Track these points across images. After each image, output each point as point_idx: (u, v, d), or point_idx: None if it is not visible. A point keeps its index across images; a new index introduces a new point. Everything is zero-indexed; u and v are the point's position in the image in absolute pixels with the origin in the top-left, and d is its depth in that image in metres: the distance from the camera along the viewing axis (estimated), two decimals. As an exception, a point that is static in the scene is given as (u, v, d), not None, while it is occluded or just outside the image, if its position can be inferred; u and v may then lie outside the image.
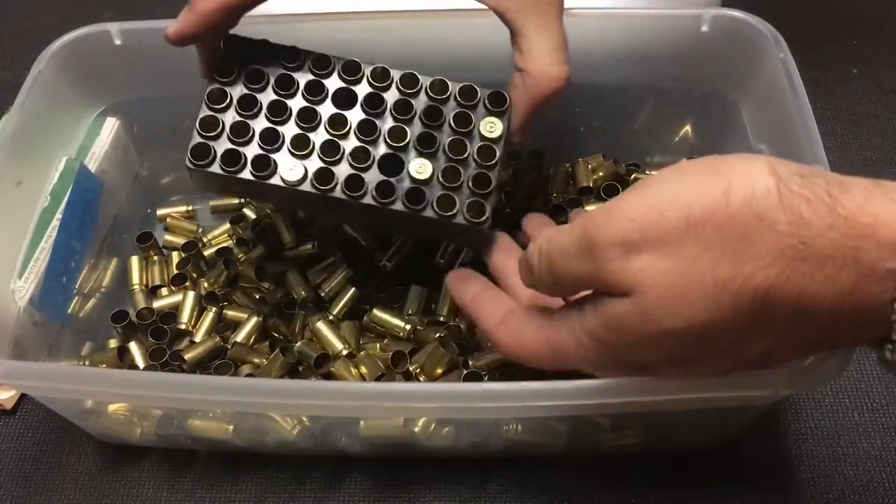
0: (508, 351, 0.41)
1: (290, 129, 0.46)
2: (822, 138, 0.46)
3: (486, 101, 0.47)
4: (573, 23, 0.53)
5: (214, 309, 0.56)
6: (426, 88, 0.47)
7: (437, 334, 0.52)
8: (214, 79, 0.46)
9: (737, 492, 0.50)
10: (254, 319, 0.54)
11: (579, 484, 0.50)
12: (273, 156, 0.45)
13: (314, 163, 0.45)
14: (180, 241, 0.61)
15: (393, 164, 0.45)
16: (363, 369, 0.51)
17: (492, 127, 0.46)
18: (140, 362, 0.53)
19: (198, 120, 0.45)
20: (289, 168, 0.45)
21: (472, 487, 0.50)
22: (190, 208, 0.63)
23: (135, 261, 0.59)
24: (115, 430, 0.51)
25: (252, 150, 0.45)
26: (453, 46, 0.54)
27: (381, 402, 0.41)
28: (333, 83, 0.47)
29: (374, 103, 0.46)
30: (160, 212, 0.63)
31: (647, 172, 0.61)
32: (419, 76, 0.47)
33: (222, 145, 0.45)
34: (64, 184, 0.54)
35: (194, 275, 0.58)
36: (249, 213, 0.61)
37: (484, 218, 0.45)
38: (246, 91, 0.46)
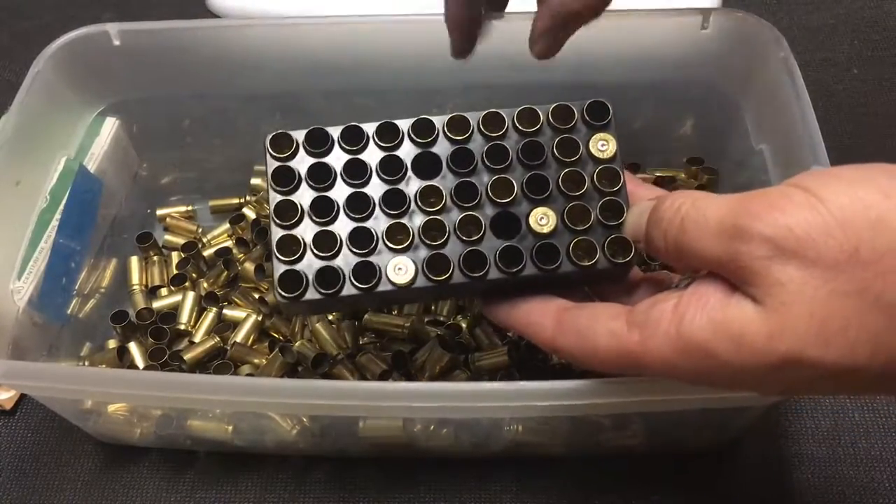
0: (575, 360, 0.36)
1: (379, 222, 0.38)
2: (824, 138, 0.46)
3: (586, 115, 0.40)
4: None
5: (214, 309, 0.56)
6: (514, 123, 0.40)
7: (436, 333, 0.52)
8: (275, 190, 0.39)
9: (737, 492, 0.50)
10: (253, 319, 0.54)
11: (580, 484, 0.50)
12: (372, 259, 0.38)
13: (420, 251, 0.38)
14: (180, 241, 0.61)
15: (508, 224, 0.38)
16: (365, 370, 0.51)
17: (603, 145, 0.39)
18: (140, 362, 0.53)
19: (273, 244, 0.38)
20: (395, 268, 0.37)
21: (473, 487, 0.50)
22: (190, 208, 0.63)
23: (134, 261, 0.59)
24: (115, 430, 0.51)
25: (347, 260, 0.38)
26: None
27: (380, 401, 0.41)
28: (408, 151, 0.39)
29: (463, 161, 0.39)
30: (160, 212, 0.63)
31: (647, 172, 0.61)
32: (503, 112, 0.40)
33: (311, 265, 0.38)
34: (63, 184, 0.53)
35: (194, 275, 0.58)
36: (249, 213, 0.61)
37: (630, 256, 0.37)
38: (317, 195, 0.38)
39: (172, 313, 0.56)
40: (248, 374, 0.52)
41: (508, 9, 0.55)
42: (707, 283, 0.32)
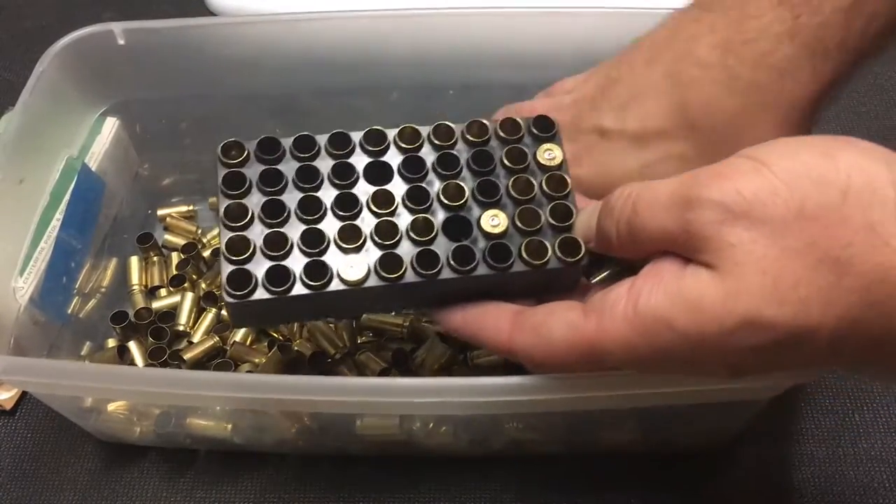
0: (532, 359, 0.36)
1: (331, 225, 0.39)
2: (823, 138, 0.46)
3: (533, 128, 0.41)
4: (574, 22, 0.53)
5: (213, 309, 0.56)
6: (464, 135, 0.41)
7: (436, 330, 0.52)
8: (225, 194, 0.39)
9: (737, 492, 0.50)
10: (253, 319, 0.54)
11: (580, 483, 0.50)
12: (324, 258, 0.38)
13: (372, 253, 0.38)
14: (180, 241, 0.60)
15: (460, 227, 0.39)
16: (364, 368, 0.51)
17: (550, 154, 0.40)
18: (139, 362, 0.53)
19: (223, 245, 0.38)
20: (347, 266, 0.37)
21: (473, 487, 0.50)
22: (190, 208, 0.63)
23: (134, 261, 0.59)
24: (115, 428, 0.51)
25: (297, 261, 0.38)
26: (454, 45, 0.55)
27: (376, 397, 0.41)
28: (360, 160, 0.40)
29: (414, 168, 0.40)
30: (160, 212, 0.63)
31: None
32: (452, 125, 0.41)
33: (261, 265, 0.37)
34: (65, 183, 0.54)
35: (194, 276, 0.58)
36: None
37: (581, 255, 0.38)
38: (267, 198, 0.39)
39: (172, 313, 0.56)
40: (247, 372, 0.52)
41: (508, 7, 0.55)
42: (661, 261, 0.33)
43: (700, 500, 0.50)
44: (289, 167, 0.40)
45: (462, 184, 0.39)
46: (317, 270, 0.37)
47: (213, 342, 0.54)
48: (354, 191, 0.39)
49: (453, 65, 0.54)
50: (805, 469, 0.51)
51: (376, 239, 0.38)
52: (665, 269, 0.32)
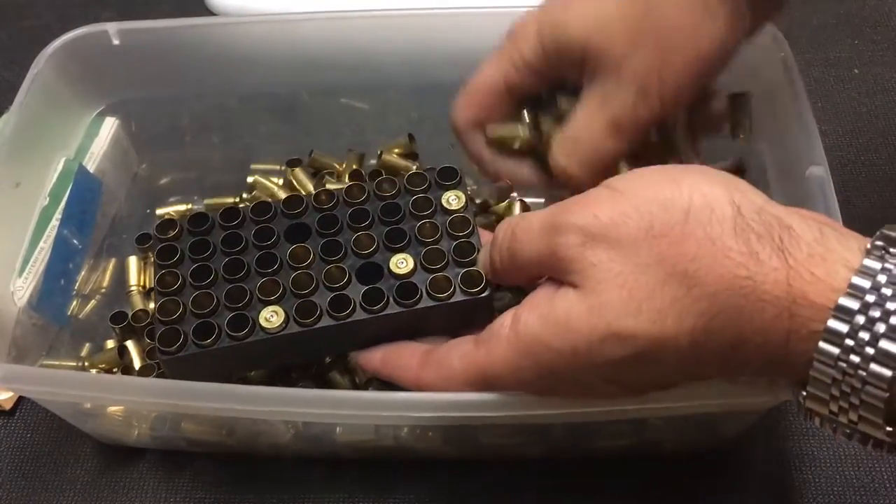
0: (438, 391, 0.39)
1: (253, 281, 0.43)
2: (823, 138, 0.46)
3: (437, 178, 0.45)
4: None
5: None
6: (374, 192, 0.45)
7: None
8: (160, 265, 0.44)
9: (737, 493, 0.50)
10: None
11: (577, 484, 0.50)
12: (246, 312, 0.42)
13: (291, 302, 0.42)
14: (179, 241, 0.60)
15: (371, 272, 0.43)
16: (354, 373, 0.50)
17: (454, 199, 0.44)
18: (136, 362, 0.53)
19: (155, 309, 0.42)
20: (266, 317, 0.41)
21: (470, 487, 0.50)
22: (188, 207, 0.63)
23: (133, 261, 0.59)
24: (114, 431, 0.51)
25: (223, 317, 0.42)
26: (453, 45, 0.54)
27: (362, 410, 0.41)
28: (280, 224, 0.45)
29: (328, 225, 0.44)
30: (159, 211, 0.63)
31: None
32: (364, 185, 0.45)
33: (190, 324, 0.41)
34: (63, 184, 0.54)
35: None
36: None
37: (482, 285, 0.41)
38: (196, 265, 0.43)
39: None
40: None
41: (506, 7, 0.55)
42: (538, 289, 0.36)
43: (700, 500, 0.50)
44: (216, 235, 0.45)
45: (372, 233, 0.43)
46: (240, 323, 0.41)
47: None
48: (275, 250, 0.44)
49: (453, 65, 0.54)
50: (806, 469, 0.51)
51: (294, 290, 0.42)
52: (541, 295, 0.35)
